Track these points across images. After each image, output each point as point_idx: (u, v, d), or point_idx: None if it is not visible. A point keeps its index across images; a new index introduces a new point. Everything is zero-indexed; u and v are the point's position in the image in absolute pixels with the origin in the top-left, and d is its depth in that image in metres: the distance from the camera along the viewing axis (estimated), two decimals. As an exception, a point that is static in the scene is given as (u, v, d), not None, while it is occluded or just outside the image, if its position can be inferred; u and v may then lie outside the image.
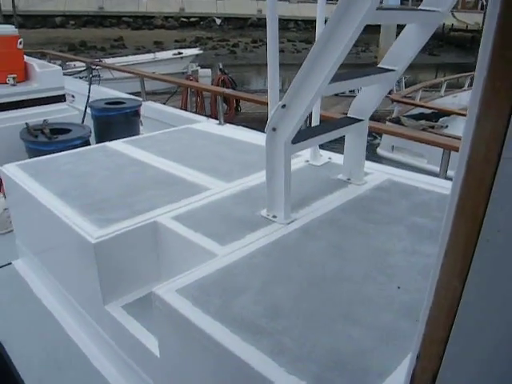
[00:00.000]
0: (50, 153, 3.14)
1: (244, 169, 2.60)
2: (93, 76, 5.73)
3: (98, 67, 6.54)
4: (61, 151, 3.05)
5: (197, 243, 1.83)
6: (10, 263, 3.04)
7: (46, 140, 3.77)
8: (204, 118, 4.30)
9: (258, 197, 2.15)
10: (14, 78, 4.35)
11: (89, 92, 4.94)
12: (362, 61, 23.61)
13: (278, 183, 1.88)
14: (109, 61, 13.27)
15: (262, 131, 1.94)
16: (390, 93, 8.32)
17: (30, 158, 3.59)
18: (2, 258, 3.12)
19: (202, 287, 1.51)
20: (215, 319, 1.35)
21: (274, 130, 1.81)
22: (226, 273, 1.58)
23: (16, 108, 4.19)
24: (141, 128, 4.73)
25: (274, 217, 1.96)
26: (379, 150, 7.26)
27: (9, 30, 4.51)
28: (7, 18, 6.23)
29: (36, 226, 2.64)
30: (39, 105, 4.29)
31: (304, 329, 1.31)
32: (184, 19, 31.47)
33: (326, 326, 1.32)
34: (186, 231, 1.92)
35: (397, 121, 6.76)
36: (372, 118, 2.33)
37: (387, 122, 6.78)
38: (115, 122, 4.47)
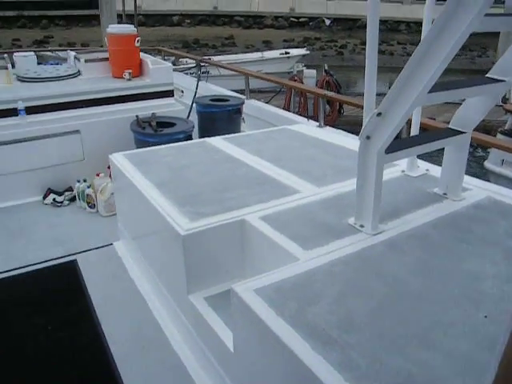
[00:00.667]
0: (154, 144, 3.34)
1: (337, 174, 2.57)
2: (202, 73, 5.98)
3: (206, 64, 6.82)
4: (165, 143, 3.23)
5: (280, 245, 1.85)
6: (111, 244, 3.29)
7: (152, 132, 4.01)
8: (304, 120, 4.30)
9: (348, 204, 2.12)
10: (129, 74, 4.68)
11: (196, 88, 5.16)
12: (477, 66, 22.13)
13: (368, 192, 1.84)
14: (217, 58, 13.78)
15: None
16: (504, 102, 7.71)
17: (137, 148, 3.86)
18: (105, 238, 3.39)
19: (279, 290, 1.52)
20: (288, 323, 1.36)
21: (367, 138, 1.77)
22: (305, 278, 1.58)
23: (129, 101, 4.51)
24: (242, 125, 4.85)
25: (361, 226, 1.92)
26: (487, 164, 6.77)
27: (129, 29, 4.86)
28: (130, 18, 6.77)
29: (135, 212, 2.83)
30: (150, 99, 4.57)
31: (376, 346, 1.27)
32: (293, 19, 31.70)
33: (399, 346, 1.27)
34: (271, 232, 1.95)
35: (510, 133, 6.25)
36: (479, 129, 2.18)
37: (498, 134, 6.30)
38: (218, 118, 4.63)
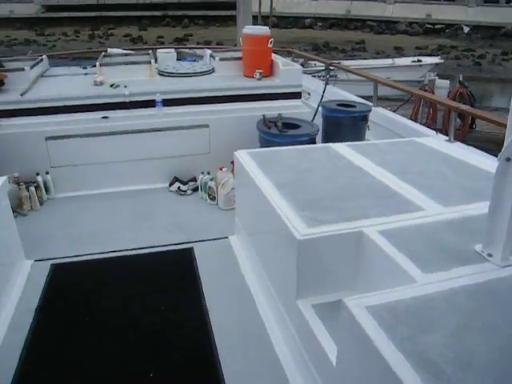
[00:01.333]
0: (278, 145, 3.38)
1: (466, 195, 2.38)
2: (330, 76, 5.93)
3: (335, 68, 6.74)
4: (288, 145, 3.25)
5: (398, 263, 1.76)
6: (226, 237, 3.39)
7: (277, 132, 4.06)
8: (433, 132, 4.06)
9: (476, 229, 1.95)
10: (260, 74, 4.80)
11: (323, 92, 5.13)
12: None
13: (501, 219, 1.67)
14: (346, 63, 13.60)
15: (496, 155, 1.73)
16: None
17: (261, 147, 3.93)
18: (221, 231, 3.51)
19: (392, 311, 1.44)
20: (398, 349, 1.27)
21: (508, 160, 1.61)
22: (422, 303, 1.48)
23: (257, 100, 4.62)
24: (367, 133, 4.72)
25: (490, 255, 1.75)
26: None
27: (263, 30, 4.99)
28: (265, 19, 6.97)
29: (253, 209, 2.88)
30: (277, 99, 4.64)
31: None
32: (429, 26, 30.19)
33: None
34: (389, 248, 1.86)
35: None
36: None
37: None
38: (343, 124, 4.55)
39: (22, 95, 4.38)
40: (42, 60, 5.49)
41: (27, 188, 4.10)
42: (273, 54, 5.13)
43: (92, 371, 2.24)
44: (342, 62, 11.72)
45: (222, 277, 2.96)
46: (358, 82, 9.27)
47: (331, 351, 1.74)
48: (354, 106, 4.73)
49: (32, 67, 4.95)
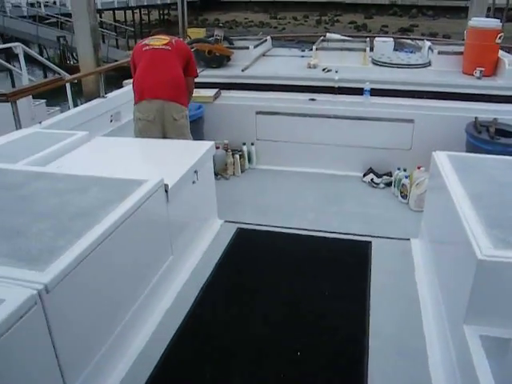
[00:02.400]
0: (486, 152, 3.07)
1: None
2: None
3: None
4: (498, 154, 2.92)
5: None
6: (408, 239, 3.25)
7: (487, 138, 3.68)
8: None
9: None
10: (480, 72, 4.37)
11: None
12: None
13: None
14: None
15: None
16: None
17: (467, 151, 3.62)
18: (405, 231, 3.38)
19: None
20: None
21: None
22: None
23: (471, 100, 4.23)
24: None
25: None
26: None
27: (492, 23, 4.50)
28: (499, 11, 6.25)
29: (440, 215, 2.69)
30: (495, 102, 4.18)
31: None
32: None
33: None
34: None
35: None
36: None
37: None
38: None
39: (242, 71, 4.84)
40: (265, 41, 5.93)
41: (233, 155, 4.55)
42: (500, 51, 4.61)
43: (248, 333, 2.40)
44: None
45: (394, 279, 2.85)
46: None
47: None
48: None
49: (255, 47, 5.39)
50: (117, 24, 24.80)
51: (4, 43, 16.97)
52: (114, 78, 7.59)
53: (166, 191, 2.43)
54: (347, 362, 2.22)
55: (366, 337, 2.35)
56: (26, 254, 1.66)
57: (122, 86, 4.75)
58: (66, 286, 1.60)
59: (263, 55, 5.65)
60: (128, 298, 2.19)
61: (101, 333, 1.95)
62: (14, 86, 16.62)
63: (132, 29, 24.44)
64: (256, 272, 2.92)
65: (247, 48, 5.26)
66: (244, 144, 4.65)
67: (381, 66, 4.94)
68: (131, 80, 3.84)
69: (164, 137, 3.63)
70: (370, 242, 3.23)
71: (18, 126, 3.54)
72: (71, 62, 18.41)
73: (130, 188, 2.21)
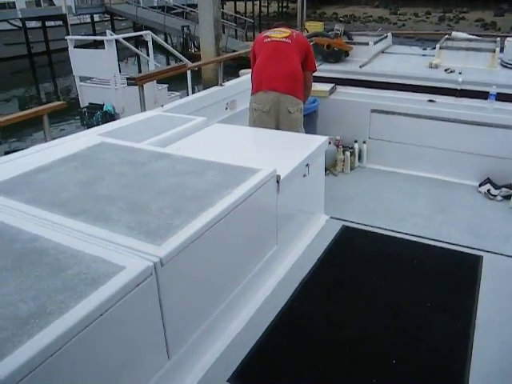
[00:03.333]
0: None
1: None
2: None
3: None
4: None
5: None
6: None
7: None
8: None
9: None
10: None
11: None
12: None
13: None
14: None
15: None
16: None
17: None
18: None
19: None
20: None
21: None
22: None
23: None
24: None
25: None
26: None
27: None
28: None
29: None
30: None
31: None
32: None
33: None
34: None
35: None
36: None
37: None
38: None
39: (360, 67, 4.74)
40: (386, 37, 5.75)
41: (344, 152, 4.50)
42: None
43: (343, 332, 2.37)
44: None
45: (505, 300, 2.64)
46: None
47: None
48: None
49: (375, 43, 5.25)
50: (237, 15, 25.55)
51: (135, 32, 18.35)
52: (232, 68, 7.86)
53: (278, 182, 2.48)
54: (445, 382, 2.11)
55: (468, 358, 2.20)
56: (146, 228, 1.79)
57: (238, 76, 4.89)
58: (177, 261, 1.70)
59: (382, 52, 5.49)
60: (231, 282, 2.27)
61: (203, 311, 2.05)
62: (140, 70, 17.94)
63: (251, 20, 25.05)
64: (358, 272, 2.87)
65: (367, 44, 5.14)
66: (356, 142, 4.57)
67: (510, 68, 4.56)
68: (248, 70, 3.94)
69: (277, 128, 3.69)
70: (481, 257, 3.02)
71: (143, 108, 3.80)
72: (192, 51, 19.36)
73: (243, 175, 2.28)
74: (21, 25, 20.79)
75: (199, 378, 1.99)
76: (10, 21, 20.49)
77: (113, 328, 1.44)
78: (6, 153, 3.13)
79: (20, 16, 20.27)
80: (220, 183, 2.19)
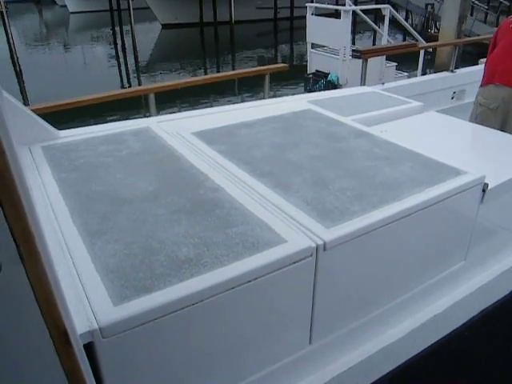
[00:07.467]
0: None
1: None
2: None
3: None
4: None
5: None
6: None
7: None
8: None
9: None
10: None
11: None
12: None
13: None
14: None
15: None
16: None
17: None
18: None
19: None
20: None
21: None
22: None
23: None
24: None
25: None
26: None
27: None
28: None
29: None
30: None
31: None
32: None
33: None
34: None
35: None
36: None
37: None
38: None
39: None
40: None
41: None
42: None
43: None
44: None
45: None
46: None
47: None
48: None
49: None
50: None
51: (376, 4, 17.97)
52: (471, 55, 7.10)
53: (484, 191, 2.11)
54: None
55: None
56: (321, 206, 1.69)
57: (477, 64, 4.36)
58: (342, 250, 1.57)
59: None
60: (396, 288, 2.03)
61: (354, 310, 1.88)
62: (374, 45, 17.65)
63: (508, 3, 22.02)
64: None
65: None
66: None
67: None
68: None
69: (502, 130, 3.17)
70: None
71: (363, 82, 3.66)
72: (432, 31, 18.12)
73: (444, 175, 1.99)
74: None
75: (340, 371, 1.87)
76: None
77: (258, 297, 1.42)
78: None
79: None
80: (414, 177, 1.95)
